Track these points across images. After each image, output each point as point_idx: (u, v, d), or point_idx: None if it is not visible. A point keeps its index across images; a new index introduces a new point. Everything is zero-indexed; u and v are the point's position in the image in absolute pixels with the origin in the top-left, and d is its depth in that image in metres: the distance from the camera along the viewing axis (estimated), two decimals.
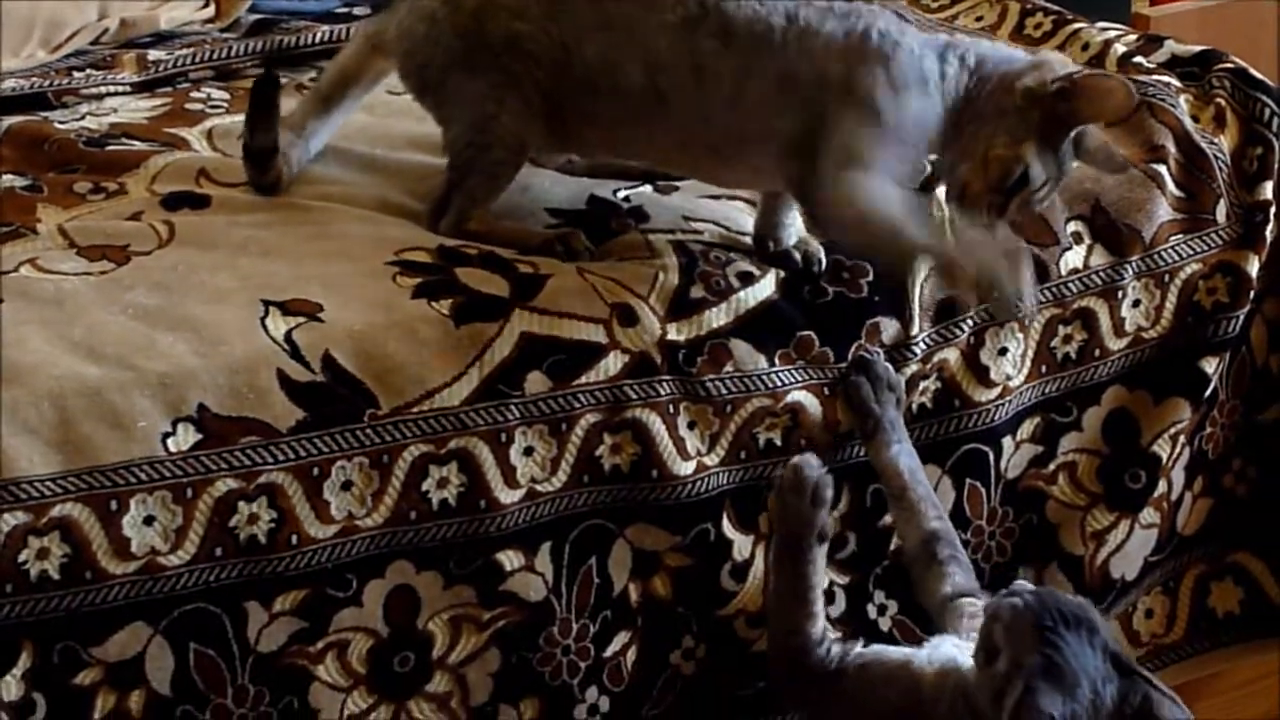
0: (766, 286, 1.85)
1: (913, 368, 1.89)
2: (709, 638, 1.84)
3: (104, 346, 1.66)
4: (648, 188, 2.00)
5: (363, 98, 2.04)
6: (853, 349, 1.86)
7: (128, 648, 1.60)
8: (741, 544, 1.84)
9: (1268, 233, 2.09)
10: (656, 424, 1.78)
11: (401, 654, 1.72)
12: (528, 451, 1.74)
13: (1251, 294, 2.08)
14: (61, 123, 2.11)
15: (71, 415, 1.60)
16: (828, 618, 1.79)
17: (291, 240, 1.84)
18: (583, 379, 1.75)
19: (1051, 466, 2.00)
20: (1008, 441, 1.96)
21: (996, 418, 1.94)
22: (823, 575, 1.78)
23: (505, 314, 1.75)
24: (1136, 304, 2.02)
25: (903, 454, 1.85)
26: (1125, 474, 2.03)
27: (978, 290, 1.80)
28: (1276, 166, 2.11)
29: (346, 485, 1.67)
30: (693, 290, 1.82)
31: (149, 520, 1.60)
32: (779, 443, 1.84)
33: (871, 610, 1.92)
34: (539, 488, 1.74)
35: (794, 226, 1.91)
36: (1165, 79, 2.18)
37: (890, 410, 1.85)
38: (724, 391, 1.81)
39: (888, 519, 1.89)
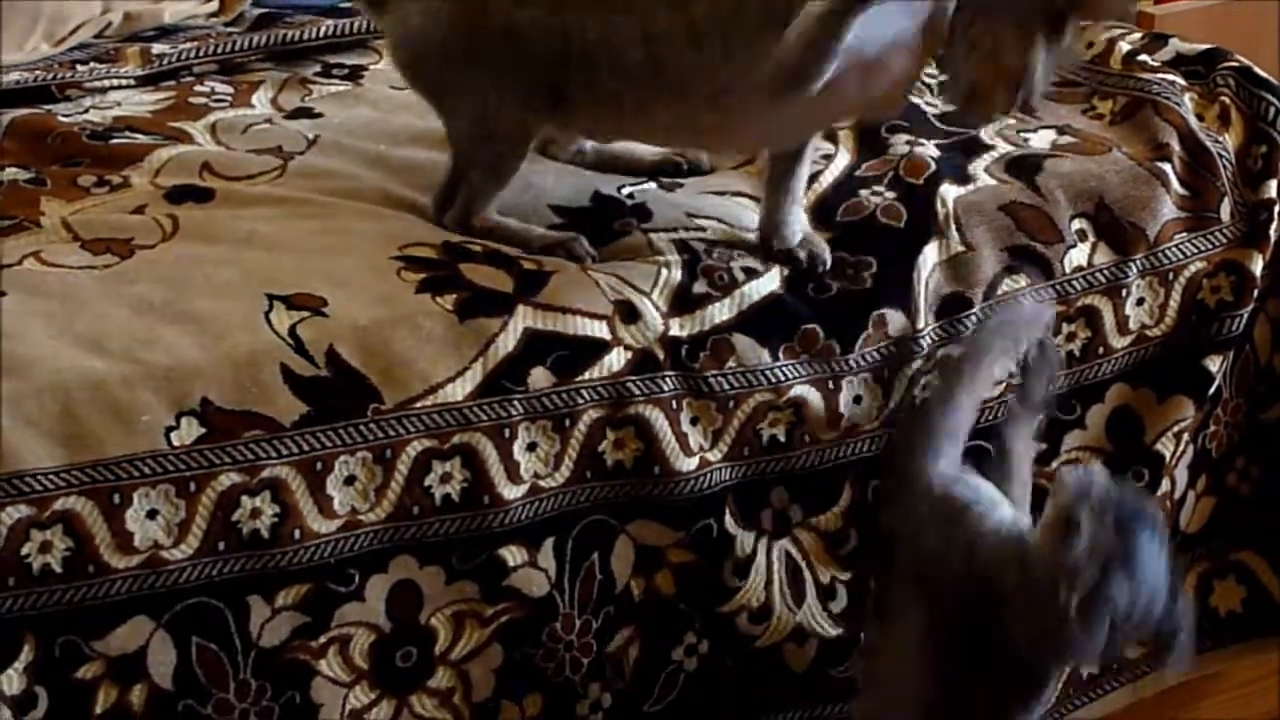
0: (770, 280, 1.85)
1: (917, 363, 1.89)
2: (711, 634, 1.84)
3: (108, 340, 1.65)
4: (652, 185, 2.00)
5: None
6: (859, 340, 1.85)
7: (130, 642, 1.60)
8: (744, 540, 1.83)
9: (1272, 231, 2.09)
10: (659, 420, 1.78)
11: (404, 649, 1.71)
12: (531, 447, 1.73)
13: (1255, 292, 2.08)
14: (65, 116, 2.11)
15: (75, 408, 1.59)
16: (833, 616, 1.79)
17: (296, 234, 1.84)
18: (586, 375, 1.75)
19: (1054, 465, 2.00)
20: None
21: (1000, 415, 1.94)
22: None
23: (509, 309, 1.75)
24: (1140, 302, 2.02)
25: None
26: (1128, 472, 2.03)
27: None
28: None
29: (349, 480, 1.67)
30: (695, 285, 1.82)
31: (152, 514, 1.60)
32: (782, 439, 1.84)
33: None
34: (542, 483, 1.74)
35: (798, 225, 1.91)
36: (1170, 77, 2.18)
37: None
38: (726, 387, 1.81)
39: None
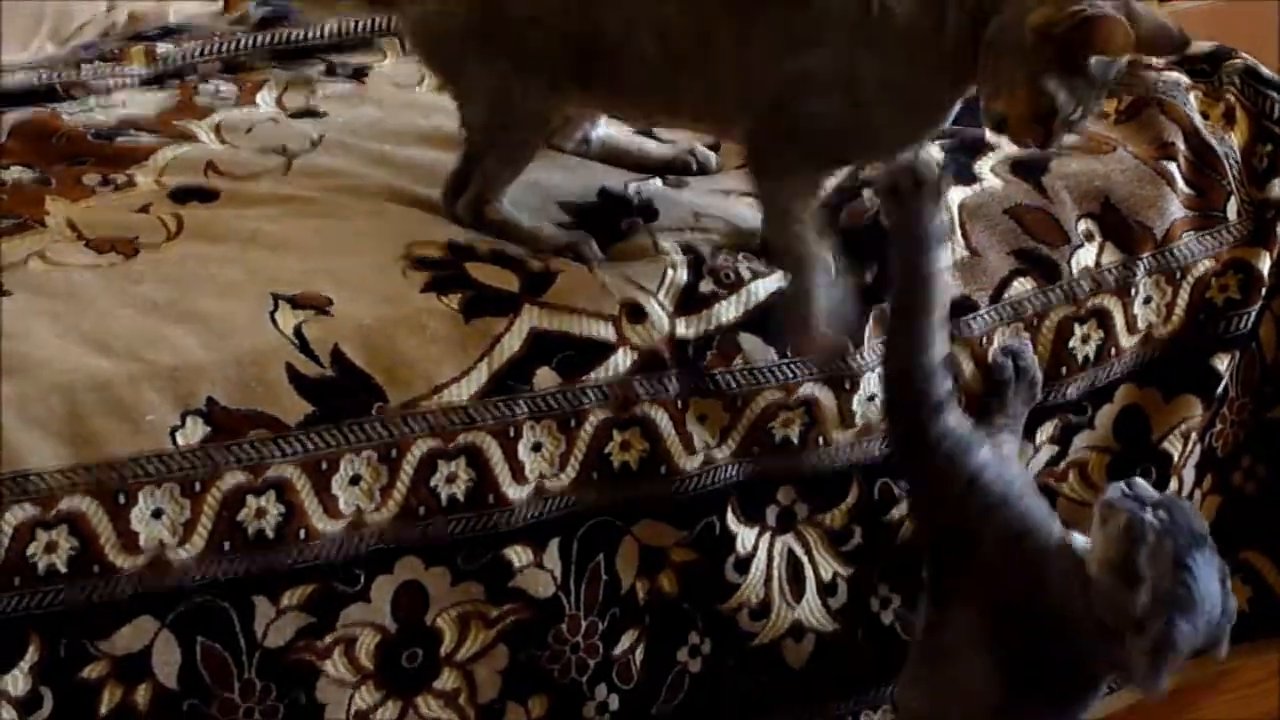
0: (777, 280, 1.84)
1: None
2: (713, 633, 1.84)
3: (113, 339, 1.65)
4: (658, 182, 1.99)
5: None
6: (864, 333, 1.85)
7: (135, 641, 1.60)
8: (745, 537, 1.83)
9: (1278, 230, 2.09)
10: (664, 421, 1.78)
11: (409, 650, 1.71)
12: (536, 447, 1.73)
13: (1263, 291, 2.07)
14: (70, 115, 2.11)
15: (80, 408, 1.59)
16: (838, 605, 1.77)
17: (301, 234, 1.83)
18: (591, 375, 1.75)
19: (1062, 465, 2.00)
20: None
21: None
22: (945, 300, 1.76)
23: (515, 309, 1.74)
24: (1148, 301, 2.02)
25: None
26: (1135, 471, 2.02)
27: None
28: None
29: (355, 480, 1.67)
30: (702, 285, 1.82)
31: (157, 514, 1.60)
32: (795, 440, 1.83)
33: (875, 603, 1.92)
34: (547, 484, 1.74)
35: None
36: (1175, 76, 2.17)
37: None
38: (735, 385, 1.80)
39: (895, 513, 1.89)
